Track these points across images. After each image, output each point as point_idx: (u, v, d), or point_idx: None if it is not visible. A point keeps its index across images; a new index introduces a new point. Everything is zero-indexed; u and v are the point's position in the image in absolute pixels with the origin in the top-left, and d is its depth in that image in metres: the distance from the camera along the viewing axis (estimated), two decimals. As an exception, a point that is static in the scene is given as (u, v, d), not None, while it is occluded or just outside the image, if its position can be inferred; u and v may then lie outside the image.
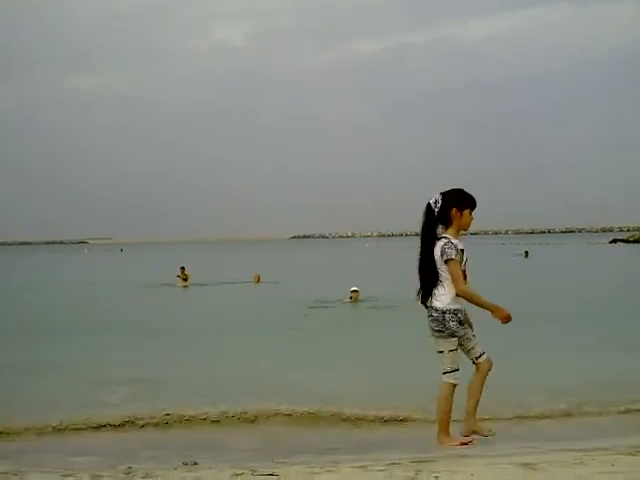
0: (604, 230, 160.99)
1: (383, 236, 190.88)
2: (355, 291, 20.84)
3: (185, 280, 29.65)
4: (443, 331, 6.02)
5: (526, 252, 52.12)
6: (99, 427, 7.80)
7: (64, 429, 7.75)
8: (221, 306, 22.14)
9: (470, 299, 6.05)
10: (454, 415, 6.23)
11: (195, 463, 5.70)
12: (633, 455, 5.03)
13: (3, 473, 5.24)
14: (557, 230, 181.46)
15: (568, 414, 8.06)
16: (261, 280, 30.18)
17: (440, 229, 6.14)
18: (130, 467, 5.57)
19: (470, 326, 6.19)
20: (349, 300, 20.63)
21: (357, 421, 7.92)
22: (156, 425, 7.88)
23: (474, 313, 6.27)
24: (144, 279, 33.05)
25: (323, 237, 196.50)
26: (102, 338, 14.79)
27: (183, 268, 31.86)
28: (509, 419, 7.87)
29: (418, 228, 6.23)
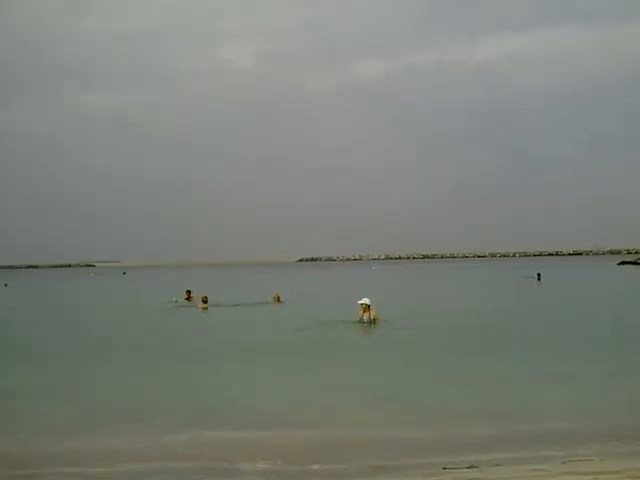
0: (612, 252, 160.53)
1: (390, 259, 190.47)
2: (365, 304, 20.21)
3: (205, 302, 29.64)
4: None
5: (539, 275, 50.50)
6: (106, 453, 7.77)
7: (70, 455, 7.76)
8: (247, 326, 21.92)
9: None
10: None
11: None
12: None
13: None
14: (565, 252, 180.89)
15: (577, 437, 8.03)
16: (281, 300, 30.12)
17: None
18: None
19: None
20: (361, 316, 20.18)
21: (364, 445, 7.89)
22: (164, 451, 7.83)
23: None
24: (155, 302, 32.91)
25: (330, 260, 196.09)
26: (117, 363, 14.74)
27: (189, 291, 31.88)
28: (520, 441, 7.84)
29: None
